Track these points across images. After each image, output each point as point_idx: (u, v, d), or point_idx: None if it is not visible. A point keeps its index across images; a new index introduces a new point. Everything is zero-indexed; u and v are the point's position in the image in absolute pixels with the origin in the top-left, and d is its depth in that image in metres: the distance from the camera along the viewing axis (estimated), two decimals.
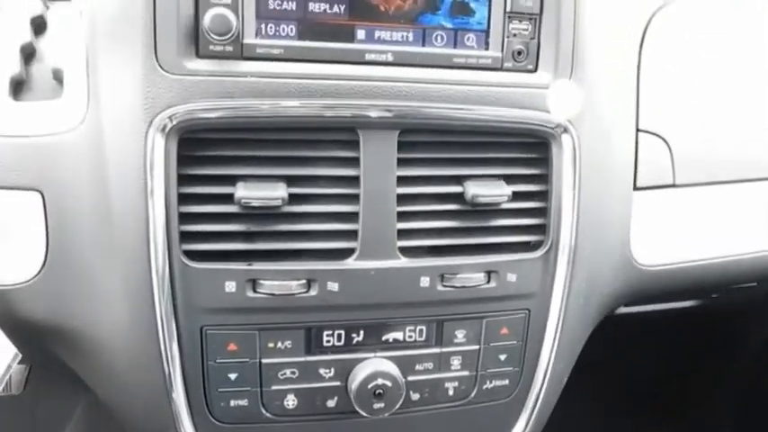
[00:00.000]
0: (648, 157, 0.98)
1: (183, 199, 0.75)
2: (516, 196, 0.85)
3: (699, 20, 1.07)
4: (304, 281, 0.79)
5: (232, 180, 0.77)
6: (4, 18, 0.82)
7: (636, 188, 0.98)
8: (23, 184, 0.76)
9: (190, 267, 0.76)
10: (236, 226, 0.78)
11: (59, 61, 0.80)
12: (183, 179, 0.75)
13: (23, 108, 0.78)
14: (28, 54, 0.82)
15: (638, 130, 0.98)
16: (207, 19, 0.72)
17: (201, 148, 0.77)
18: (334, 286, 0.79)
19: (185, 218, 0.76)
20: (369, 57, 0.79)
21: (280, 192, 0.77)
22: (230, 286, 0.77)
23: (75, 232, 0.77)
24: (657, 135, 0.99)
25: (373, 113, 0.79)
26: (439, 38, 0.83)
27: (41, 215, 0.77)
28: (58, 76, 0.80)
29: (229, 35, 0.72)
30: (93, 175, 0.75)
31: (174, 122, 0.73)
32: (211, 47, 0.75)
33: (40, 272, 0.77)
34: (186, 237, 0.76)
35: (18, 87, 0.80)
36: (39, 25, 0.83)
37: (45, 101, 0.79)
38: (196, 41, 0.75)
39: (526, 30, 0.84)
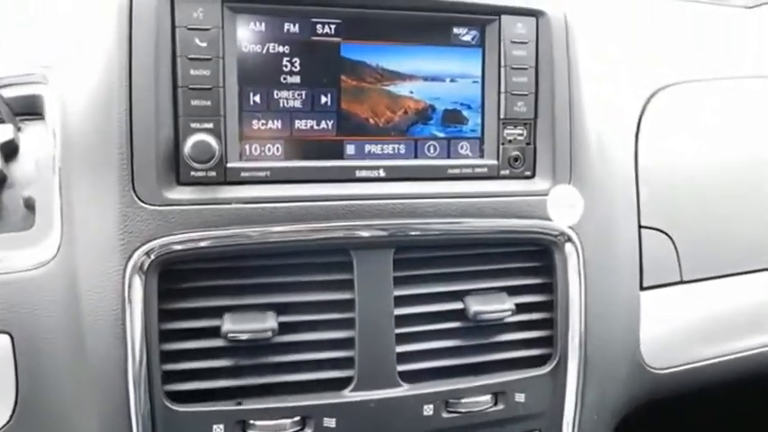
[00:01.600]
0: (653, 254, 0.96)
1: (165, 336, 0.72)
2: (520, 308, 0.83)
3: (694, 107, 1.07)
4: (298, 418, 0.75)
5: (218, 312, 0.74)
6: None
7: (642, 288, 0.95)
8: None
9: (173, 411, 0.72)
10: (224, 361, 0.74)
11: (31, 189, 0.77)
12: (165, 315, 0.72)
13: None
14: None
15: (640, 226, 0.96)
16: (188, 146, 0.69)
17: (184, 281, 0.73)
18: (331, 422, 0.75)
19: (168, 356, 0.72)
20: (359, 174, 0.78)
21: (270, 322, 0.73)
22: (218, 430, 0.72)
23: (47, 378, 0.72)
24: (660, 230, 0.98)
25: (366, 234, 0.77)
26: (432, 148, 0.81)
27: (10, 359, 0.72)
28: (29, 204, 0.77)
29: (212, 161, 0.70)
30: (66, 316, 0.71)
31: (154, 257, 0.70)
32: (193, 173, 0.72)
33: (9, 421, 0.72)
34: (169, 377, 0.72)
35: None
36: (10, 150, 0.80)
37: (15, 233, 0.75)
38: (177, 168, 0.72)
39: (521, 135, 0.83)
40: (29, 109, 0.83)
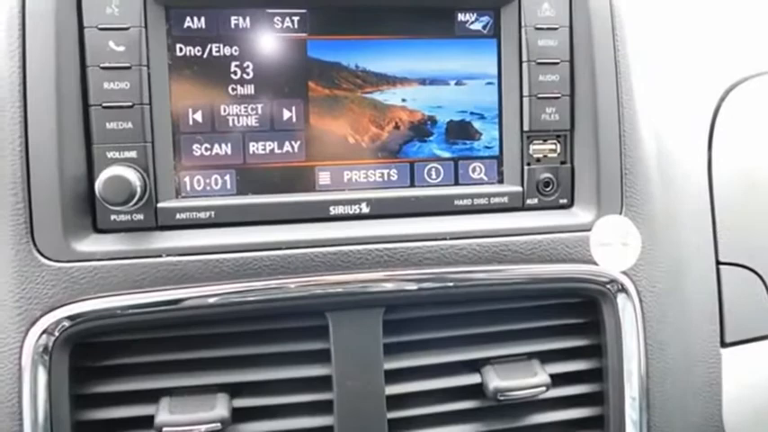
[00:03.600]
0: (738, 298, 0.76)
1: (80, 430, 0.56)
2: (558, 380, 0.64)
3: None
4: None
5: (152, 396, 0.58)
6: None
7: (724, 344, 0.76)
8: None
9: None
10: None
11: None
12: (80, 401, 0.57)
13: None
14: None
15: (718, 263, 0.76)
16: (98, 183, 0.54)
17: (104, 357, 0.59)
18: None
19: None
20: (335, 210, 0.61)
21: (219, 410, 0.58)
22: None
23: None
24: (746, 267, 0.78)
25: (345, 290, 0.59)
26: (433, 172, 0.64)
27: None
28: None
29: (134, 201, 0.54)
30: None
31: (60, 332, 0.55)
32: (114, 217, 0.58)
33: None
34: None
35: None
36: None
37: None
38: (93, 211, 0.56)
39: (553, 152, 0.65)
40: None
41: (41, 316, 0.57)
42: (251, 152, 0.62)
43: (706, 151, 0.82)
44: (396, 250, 0.62)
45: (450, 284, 0.64)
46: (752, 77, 0.88)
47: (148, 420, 0.60)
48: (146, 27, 0.58)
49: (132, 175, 0.56)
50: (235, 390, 0.62)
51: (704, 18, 0.97)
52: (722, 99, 0.85)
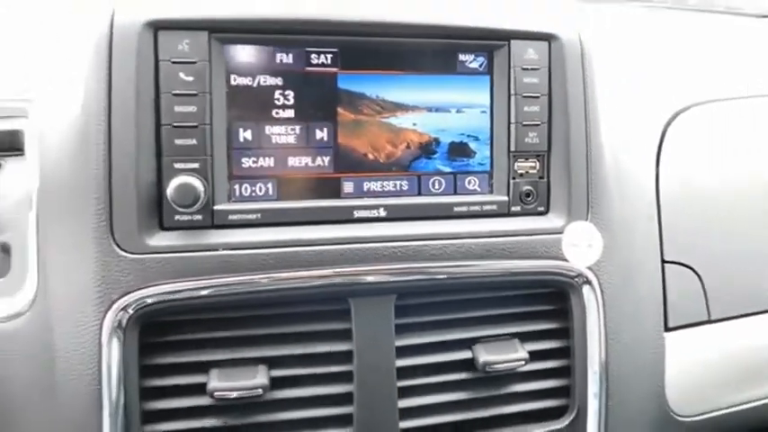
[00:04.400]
0: (678, 291, 0.94)
1: (147, 394, 0.70)
2: (534, 356, 0.81)
3: (717, 129, 1.05)
4: None
5: (204, 367, 0.72)
6: None
7: (667, 329, 0.93)
8: None
9: None
10: (210, 421, 0.72)
11: (7, 233, 0.76)
12: (146, 371, 0.71)
13: None
14: None
15: (663, 261, 0.94)
16: (170, 189, 0.67)
17: (167, 334, 0.72)
18: None
19: (149, 417, 0.70)
20: (358, 214, 0.76)
21: (259, 378, 0.72)
22: None
23: None
24: (686, 265, 0.95)
25: (366, 280, 0.75)
26: (437, 184, 0.80)
27: None
28: (5, 249, 0.75)
29: (197, 204, 0.68)
30: (39, 372, 0.70)
31: (134, 310, 0.68)
32: (177, 217, 0.71)
33: None
34: None
35: None
36: None
37: None
38: (160, 213, 0.70)
39: (534, 168, 0.81)
40: (9, 144, 0.82)
41: (118, 299, 0.70)
42: (289, 165, 0.76)
43: (654, 167, 0.99)
44: (406, 247, 0.78)
45: (449, 276, 0.79)
46: (692, 106, 1.06)
47: (201, 387, 0.73)
48: (210, 61, 0.72)
49: (197, 183, 0.70)
50: (272, 362, 0.76)
51: (654, 55, 1.15)
52: (668, 123, 1.03)
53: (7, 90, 0.81)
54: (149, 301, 0.69)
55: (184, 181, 0.68)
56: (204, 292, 0.70)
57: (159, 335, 0.71)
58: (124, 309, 0.68)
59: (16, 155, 0.84)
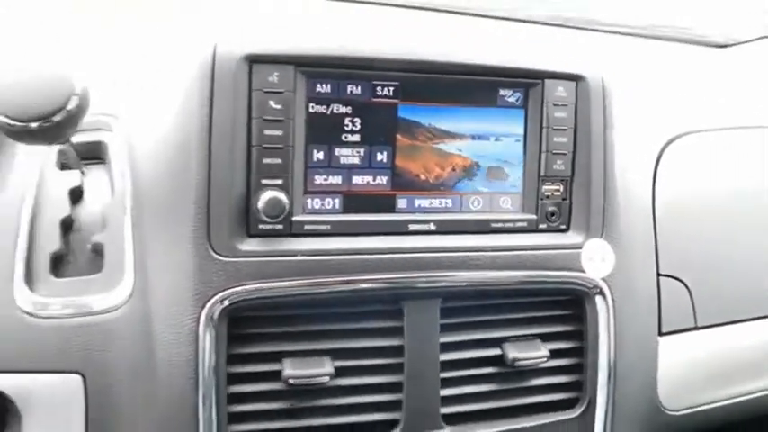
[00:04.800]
0: (670, 301, 1.09)
1: (231, 379, 0.82)
2: (552, 354, 0.94)
3: (705, 156, 1.21)
4: None
5: (278, 357, 0.84)
6: (46, 191, 0.88)
7: (660, 333, 1.08)
8: (65, 368, 0.81)
9: None
10: (282, 403, 0.84)
11: (99, 234, 0.86)
12: (232, 358, 0.82)
13: (64, 286, 0.83)
14: (66, 226, 0.88)
15: (658, 275, 1.09)
16: (261, 202, 0.80)
17: (250, 327, 0.84)
18: None
19: (233, 398, 0.82)
20: (412, 227, 0.89)
21: (327, 368, 0.84)
22: None
23: (117, 416, 0.81)
24: (677, 279, 1.11)
25: (418, 285, 0.87)
26: (476, 202, 0.93)
27: (82, 397, 0.81)
28: (96, 249, 0.86)
29: (282, 215, 0.80)
30: (138, 358, 0.81)
31: (225, 306, 0.80)
32: (261, 226, 0.83)
33: None
34: (233, 418, 0.82)
35: (57, 260, 0.86)
36: (76, 194, 0.89)
37: (85, 277, 0.84)
38: (246, 221, 0.82)
39: (558, 191, 0.95)
40: (90, 154, 0.92)
41: (213, 296, 0.81)
42: (353, 182, 0.89)
43: (651, 189, 1.15)
44: (451, 257, 0.91)
45: (486, 282, 0.93)
46: (685, 134, 1.22)
47: (275, 374, 0.86)
48: (294, 91, 0.84)
49: (283, 197, 0.83)
50: (335, 354, 0.88)
51: (653, 87, 1.30)
52: (663, 149, 1.18)
53: (96, 106, 0.91)
54: (238, 298, 0.81)
55: (274, 195, 0.80)
56: (285, 292, 0.82)
57: (242, 328, 0.83)
58: (217, 304, 0.80)
59: (97, 163, 0.95)
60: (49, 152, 0.90)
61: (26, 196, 0.86)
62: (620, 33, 1.49)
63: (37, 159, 0.90)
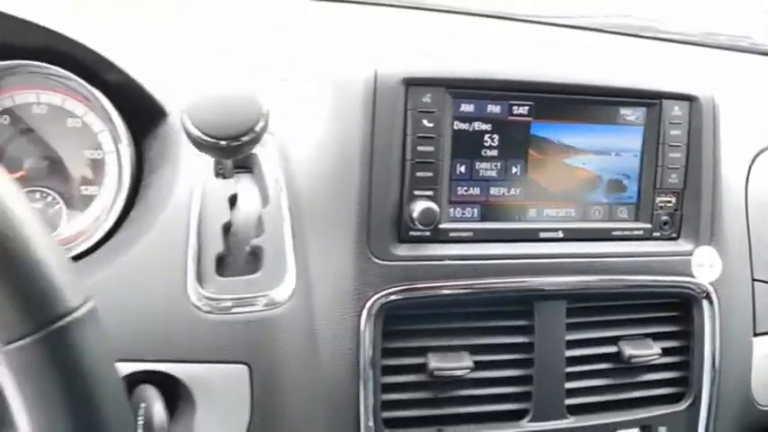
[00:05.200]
0: (763, 303, 1.18)
1: (384, 370, 0.92)
2: (662, 352, 1.04)
3: None
4: None
5: (422, 351, 0.94)
6: (209, 198, 0.98)
7: (755, 334, 1.17)
8: (233, 359, 0.91)
9: None
10: (426, 393, 0.94)
11: (257, 238, 0.96)
12: (385, 352, 0.92)
13: (229, 284, 0.93)
14: (226, 230, 0.98)
15: (753, 279, 1.18)
16: (416, 211, 0.89)
17: (398, 324, 0.93)
18: None
19: (385, 388, 0.92)
20: (542, 235, 0.98)
21: (466, 362, 0.94)
22: None
23: (281, 403, 0.92)
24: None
25: (548, 287, 0.97)
26: (597, 212, 1.02)
27: (247, 387, 0.91)
28: (255, 251, 0.96)
29: (434, 224, 0.90)
30: (302, 351, 0.90)
31: (381, 304, 0.90)
32: (411, 233, 0.92)
33: None
34: (385, 405, 0.92)
35: (219, 261, 0.96)
36: (232, 201, 0.99)
37: (248, 276, 0.94)
38: (398, 228, 0.92)
39: (670, 203, 1.04)
40: (239, 163, 1.02)
41: (372, 295, 0.92)
42: (491, 193, 0.98)
43: (744, 198, 1.24)
44: (577, 263, 1.00)
45: (607, 286, 1.02)
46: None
47: (421, 367, 0.96)
48: (443, 111, 0.94)
49: (434, 207, 0.92)
50: (472, 350, 0.98)
51: (739, 97, 1.37)
52: (754, 159, 1.27)
53: None
54: (392, 298, 0.91)
55: (428, 206, 0.90)
56: (433, 293, 0.92)
57: (392, 325, 0.93)
58: (375, 304, 0.90)
59: (245, 172, 1.05)
60: (209, 162, 0.99)
61: (193, 202, 0.96)
62: (684, 43, 1.57)
63: (198, 169, 1.00)
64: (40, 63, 0.95)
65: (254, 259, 0.96)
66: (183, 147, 0.98)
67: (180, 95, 0.88)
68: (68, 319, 0.41)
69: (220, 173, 1.03)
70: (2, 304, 0.39)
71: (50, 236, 0.44)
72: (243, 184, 1.03)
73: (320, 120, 0.94)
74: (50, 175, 1.02)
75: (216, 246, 0.93)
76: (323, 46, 1.09)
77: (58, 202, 1.03)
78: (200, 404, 0.89)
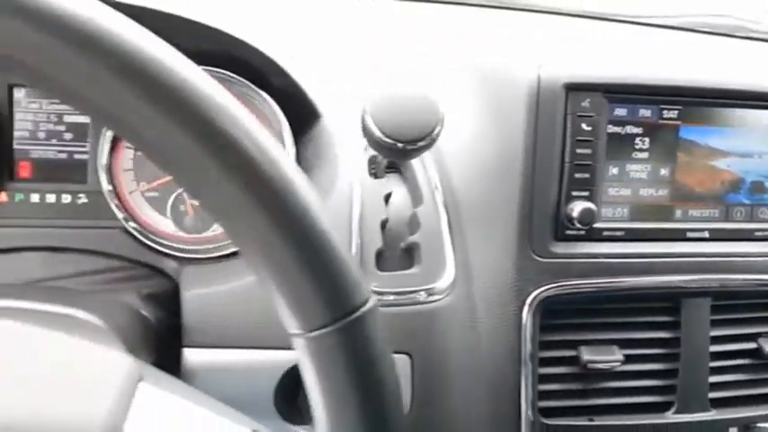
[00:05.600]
0: None
1: (541, 362, 0.97)
2: None
3: None
4: None
5: (574, 344, 0.99)
6: (367, 196, 1.04)
7: None
8: (396, 349, 0.97)
9: (544, 424, 0.98)
10: (578, 385, 0.99)
11: (413, 234, 1.02)
12: (541, 345, 0.97)
13: (389, 278, 0.99)
14: (382, 226, 1.05)
15: None
16: (576, 211, 0.94)
17: (552, 318, 0.99)
18: None
19: (541, 379, 0.97)
20: (690, 234, 1.02)
21: (617, 355, 0.98)
22: None
23: (441, 392, 0.98)
24: None
25: (694, 286, 1.01)
26: (739, 213, 1.06)
27: (408, 375, 0.97)
28: (410, 247, 1.02)
29: (592, 223, 0.95)
30: (462, 342, 0.96)
31: (540, 299, 0.95)
32: (567, 231, 0.98)
33: None
34: (541, 395, 0.98)
35: (378, 256, 1.02)
36: (386, 199, 1.06)
37: (406, 271, 1.01)
38: (555, 226, 0.97)
39: None
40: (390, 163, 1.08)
41: (532, 291, 0.97)
42: (640, 194, 1.03)
43: None
44: (722, 262, 1.04)
45: (751, 284, 1.06)
46: None
47: (573, 359, 1.01)
48: (601, 115, 0.99)
49: (593, 207, 0.97)
50: (620, 344, 1.03)
51: None
52: None
53: None
54: (551, 293, 0.96)
55: (587, 206, 0.95)
56: (587, 289, 0.97)
57: (548, 319, 0.98)
58: (535, 299, 0.95)
59: (392, 172, 1.11)
60: (363, 161, 1.05)
61: (354, 200, 1.02)
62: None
63: (354, 168, 1.06)
64: (214, 68, 1.01)
65: (408, 255, 1.02)
66: (338, 147, 1.04)
67: (333, 97, 0.94)
68: (364, 309, 0.46)
69: (373, 172, 1.09)
70: (309, 296, 0.45)
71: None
72: (393, 182, 1.09)
73: (473, 119, 0.99)
74: None
75: (375, 242, 0.99)
76: (470, 49, 1.14)
77: None
78: None
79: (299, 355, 0.47)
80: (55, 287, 0.98)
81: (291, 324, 0.44)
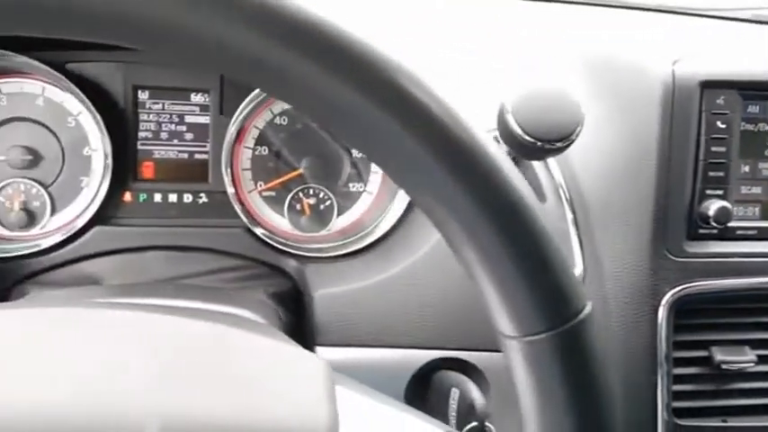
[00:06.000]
0: None
1: (674, 362, 0.96)
2: None
3: None
4: None
5: (705, 345, 0.98)
6: None
7: None
8: None
9: (677, 425, 0.97)
10: (710, 385, 0.98)
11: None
12: (675, 345, 0.96)
13: None
14: None
15: None
16: (712, 210, 0.93)
17: (684, 318, 0.98)
18: None
19: (675, 379, 0.97)
20: None
21: (750, 355, 0.97)
22: None
23: None
24: None
25: None
26: None
27: None
28: None
29: (727, 222, 0.94)
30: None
31: (675, 299, 0.94)
32: (700, 230, 0.97)
33: None
34: (674, 396, 0.97)
35: None
36: None
37: None
38: (688, 226, 0.96)
39: None
40: None
41: (669, 290, 0.97)
42: None
43: None
44: None
45: None
46: None
47: (704, 359, 1.00)
48: (735, 112, 0.97)
49: (730, 206, 0.96)
50: (752, 344, 1.02)
51: None
52: None
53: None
54: (685, 293, 0.95)
55: (723, 204, 0.94)
56: (722, 288, 0.96)
57: (682, 319, 0.97)
58: (670, 298, 0.94)
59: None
60: None
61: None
62: None
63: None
64: None
65: None
66: None
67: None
68: (581, 315, 0.45)
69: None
70: (530, 302, 0.44)
71: None
72: None
73: (599, 116, 0.98)
74: (322, 173, 1.10)
75: None
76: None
77: (329, 199, 1.10)
78: (493, 388, 0.96)
79: (511, 355, 0.46)
80: (197, 286, 0.99)
81: (506, 326, 0.44)
